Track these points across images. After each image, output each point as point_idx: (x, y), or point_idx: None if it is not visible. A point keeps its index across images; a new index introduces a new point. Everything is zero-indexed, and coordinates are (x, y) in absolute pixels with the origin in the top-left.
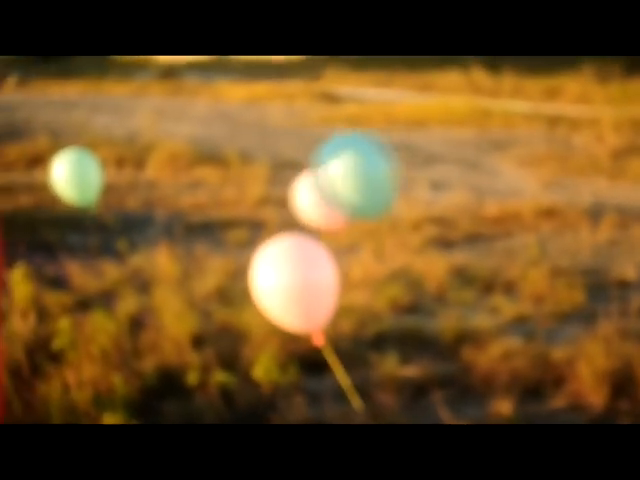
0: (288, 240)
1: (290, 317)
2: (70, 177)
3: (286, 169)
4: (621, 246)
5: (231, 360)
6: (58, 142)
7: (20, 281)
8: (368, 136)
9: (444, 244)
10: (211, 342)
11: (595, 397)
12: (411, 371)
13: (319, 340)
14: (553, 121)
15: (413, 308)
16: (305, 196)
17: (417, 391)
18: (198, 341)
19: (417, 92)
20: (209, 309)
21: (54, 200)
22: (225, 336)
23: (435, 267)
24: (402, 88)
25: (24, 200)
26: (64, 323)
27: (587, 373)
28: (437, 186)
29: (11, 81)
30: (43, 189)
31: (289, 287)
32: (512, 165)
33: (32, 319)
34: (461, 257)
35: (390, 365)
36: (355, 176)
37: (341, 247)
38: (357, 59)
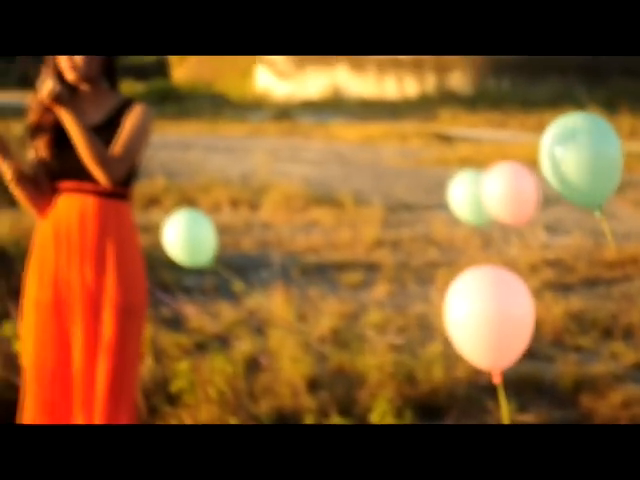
0: (484, 271)
1: (479, 351)
2: (182, 239)
3: (400, 210)
4: None
5: (347, 404)
6: (174, 183)
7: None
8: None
9: (561, 288)
10: (326, 385)
11: None
12: (529, 418)
13: (497, 378)
14: None
15: (530, 353)
16: (495, 188)
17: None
18: (313, 384)
19: (532, 132)
20: (324, 352)
21: None
22: (341, 379)
23: (552, 311)
24: (516, 128)
25: (141, 240)
26: (183, 365)
27: None
28: (553, 228)
29: None
30: (160, 230)
31: (483, 319)
32: (630, 208)
33: (150, 360)
34: (579, 301)
35: (507, 412)
36: (588, 158)
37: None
38: (471, 100)
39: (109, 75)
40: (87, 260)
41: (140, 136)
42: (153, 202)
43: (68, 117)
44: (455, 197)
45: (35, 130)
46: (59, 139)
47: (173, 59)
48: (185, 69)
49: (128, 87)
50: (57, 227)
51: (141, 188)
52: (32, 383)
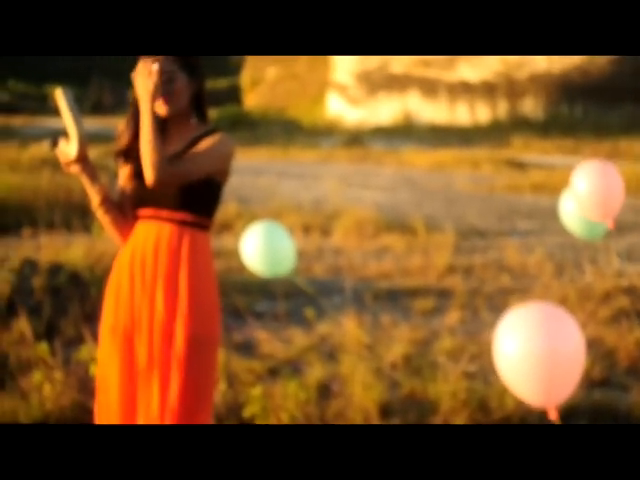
0: (536, 307)
1: (531, 389)
2: (261, 250)
3: (472, 237)
4: None
5: None
6: (246, 208)
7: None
8: None
9: (636, 315)
10: (398, 412)
11: None
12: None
13: (554, 415)
14: None
15: (604, 381)
16: (583, 185)
17: None
18: (385, 411)
19: (605, 159)
20: (396, 378)
21: (243, 266)
22: (413, 406)
23: (626, 339)
24: (589, 155)
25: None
26: (256, 391)
27: None
28: (627, 256)
29: None
30: (232, 255)
31: (534, 356)
32: None
33: (223, 385)
34: None
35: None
36: None
37: None
38: (544, 126)
39: (198, 108)
40: (160, 288)
41: (207, 157)
42: (225, 227)
43: (143, 107)
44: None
45: (120, 157)
46: (140, 166)
47: (245, 85)
48: (257, 95)
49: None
50: (133, 253)
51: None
52: (102, 408)
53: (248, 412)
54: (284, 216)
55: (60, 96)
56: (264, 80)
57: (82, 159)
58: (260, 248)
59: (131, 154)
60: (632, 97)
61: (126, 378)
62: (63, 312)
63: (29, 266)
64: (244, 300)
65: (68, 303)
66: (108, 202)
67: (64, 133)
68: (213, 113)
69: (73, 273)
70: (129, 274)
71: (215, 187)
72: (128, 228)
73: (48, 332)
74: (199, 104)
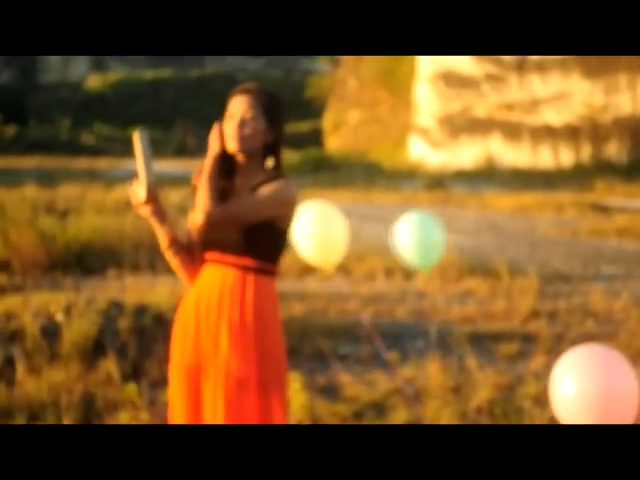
0: (590, 349)
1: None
2: (414, 240)
3: (556, 281)
4: None
5: None
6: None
7: (298, 390)
8: None
9: None
10: None
11: None
12: None
13: None
14: None
15: None
16: None
17: None
18: None
19: None
20: (481, 423)
21: (325, 309)
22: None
23: None
24: None
25: (297, 308)
26: None
27: None
28: None
29: None
30: (315, 297)
31: (589, 398)
32: None
33: None
34: None
35: None
36: None
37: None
38: (628, 170)
39: (273, 154)
40: (224, 332)
41: (264, 202)
42: (308, 270)
43: (206, 161)
44: None
45: (194, 197)
46: None
47: (327, 128)
48: (339, 138)
49: (283, 156)
50: (199, 296)
51: (296, 257)
52: None
53: None
54: (367, 259)
55: (137, 138)
56: (346, 123)
57: (151, 201)
58: (413, 237)
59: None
60: None
61: (191, 419)
62: (148, 353)
63: (115, 307)
64: (328, 343)
65: (153, 344)
66: (176, 245)
67: (137, 175)
68: (295, 156)
69: (158, 314)
70: (195, 316)
71: (277, 233)
72: (196, 270)
73: (134, 373)
74: (274, 152)
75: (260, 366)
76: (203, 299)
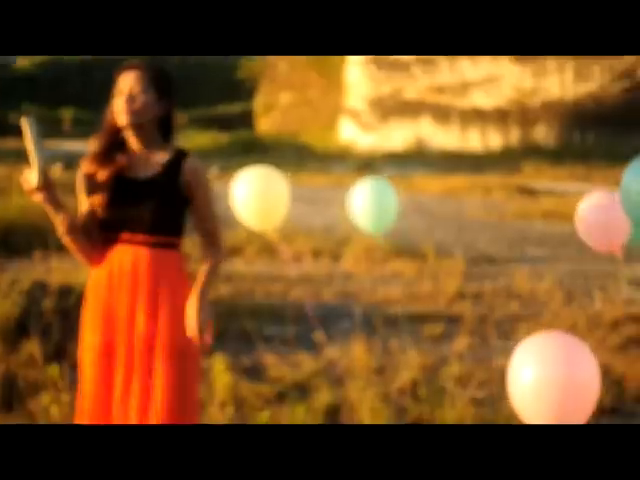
0: (549, 336)
1: (545, 417)
2: (368, 205)
3: (482, 263)
4: None
5: None
6: (256, 233)
7: (221, 371)
8: None
9: None
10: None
11: None
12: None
13: None
14: None
15: (613, 410)
16: (591, 214)
17: None
18: None
19: (616, 186)
20: (404, 404)
21: (252, 290)
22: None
23: (636, 367)
24: (601, 182)
25: (223, 290)
26: (264, 415)
27: None
28: (637, 283)
29: (213, 172)
30: (242, 279)
31: (547, 385)
32: None
33: (230, 409)
34: None
35: None
36: None
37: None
38: (556, 153)
39: (164, 128)
40: (138, 307)
41: (211, 199)
42: (235, 252)
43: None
44: None
45: (91, 182)
46: (115, 193)
47: (258, 110)
48: (270, 120)
49: (212, 138)
50: (111, 275)
51: (224, 238)
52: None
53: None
54: (295, 241)
55: (25, 125)
56: (277, 105)
57: (44, 188)
58: (366, 202)
59: (100, 179)
60: None
61: (103, 395)
62: (72, 334)
63: (39, 288)
64: (253, 324)
65: (77, 325)
66: (74, 230)
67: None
68: (225, 137)
69: (83, 295)
70: (107, 296)
71: (186, 208)
72: (96, 252)
73: (57, 354)
74: (165, 124)
75: (175, 338)
76: (115, 278)
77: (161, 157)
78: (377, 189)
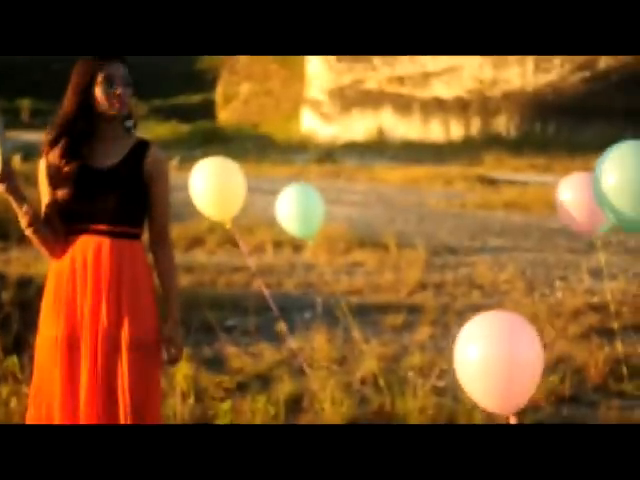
0: (494, 315)
1: (489, 396)
2: (294, 211)
3: (444, 253)
4: None
5: None
6: (218, 224)
7: (182, 362)
8: None
9: (605, 333)
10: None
11: None
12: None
13: (513, 419)
14: None
15: (573, 398)
16: (569, 195)
17: None
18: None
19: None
20: (365, 393)
21: (212, 282)
22: (381, 422)
23: (596, 356)
24: (562, 173)
25: (184, 280)
26: (225, 405)
27: None
28: (599, 273)
29: (174, 163)
30: (203, 270)
31: (492, 364)
32: None
33: (191, 400)
34: (623, 347)
35: None
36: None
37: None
38: (516, 144)
39: (131, 118)
40: (102, 297)
41: (167, 190)
42: (197, 242)
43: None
44: None
45: (55, 173)
46: (79, 183)
47: (219, 100)
48: (231, 110)
49: (173, 128)
50: (73, 266)
51: (185, 229)
52: (41, 420)
53: None
54: (256, 232)
55: None
56: (238, 96)
57: (5, 179)
58: (292, 208)
59: (63, 171)
60: (604, 115)
61: (68, 388)
62: (31, 326)
63: None
64: (215, 315)
65: (37, 316)
66: (37, 222)
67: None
68: (186, 128)
69: (43, 287)
70: (70, 287)
71: (147, 198)
72: (59, 244)
73: (16, 346)
74: (132, 116)
75: (139, 330)
76: (78, 269)
77: (124, 147)
78: (302, 196)
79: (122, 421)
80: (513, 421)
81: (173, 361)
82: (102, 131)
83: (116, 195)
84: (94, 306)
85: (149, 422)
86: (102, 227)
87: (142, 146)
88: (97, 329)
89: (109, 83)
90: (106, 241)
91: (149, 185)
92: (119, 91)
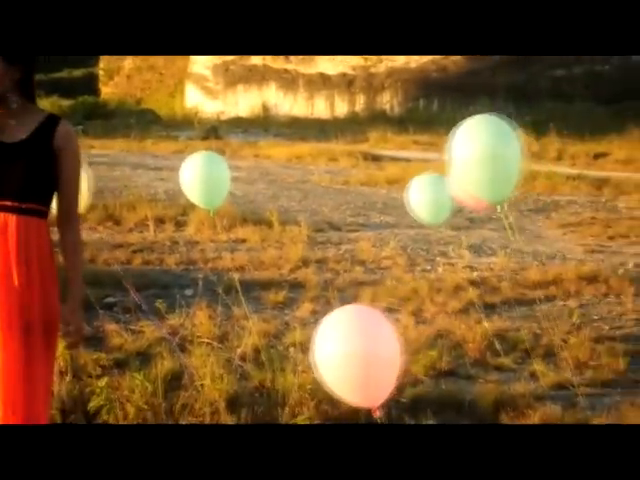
0: (351, 309)
1: (349, 390)
2: (199, 180)
3: (326, 230)
4: None
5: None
6: (99, 200)
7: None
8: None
9: (484, 308)
10: (247, 404)
11: None
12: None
13: (377, 413)
14: (598, 185)
15: (451, 372)
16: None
17: None
18: (234, 402)
19: None
20: (246, 370)
21: (93, 259)
22: (261, 398)
23: (475, 331)
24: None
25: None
26: (102, 382)
27: None
28: (479, 249)
29: None
30: (84, 246)
31: (350, 358)
32: (555, 229)
33: (68, 377)
34: (501, 321)
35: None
36: (486, 158)
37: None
38: (400, 121)
39: (25, 89)
40: (10, 274)
41: (78, 169)
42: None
43: None
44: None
45: None
46: None
47: (102, 75)
48: (114, 85)
49: (54, 103)
50: None
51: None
52: None
53: (93, 404)
54: (138, 208)
55: None
56: (121, 71)
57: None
58: (197, 177)
59: None
60: (487, 92)
61: None
62: None
63: None
64: (94, 292)
65: None
66: None
67: None
68: (68, 103)
69: None
70: None
71: (54, 177)
72: None
73: None
74: (25, 85)
75: (44, 307)
76: None
77: (32, 121)
78: (207, 163)
79: (20, 392)
80: (378, 414)
81: (72, 345)
82: (5, 106)
83: (22, 169)
84: (8, 284)
85: (40, 397)
86: (7, 203)
87: (52, 121)
88: (6, 310)
89: None
90: (12, 217)
91: (58, 160)
92: None
